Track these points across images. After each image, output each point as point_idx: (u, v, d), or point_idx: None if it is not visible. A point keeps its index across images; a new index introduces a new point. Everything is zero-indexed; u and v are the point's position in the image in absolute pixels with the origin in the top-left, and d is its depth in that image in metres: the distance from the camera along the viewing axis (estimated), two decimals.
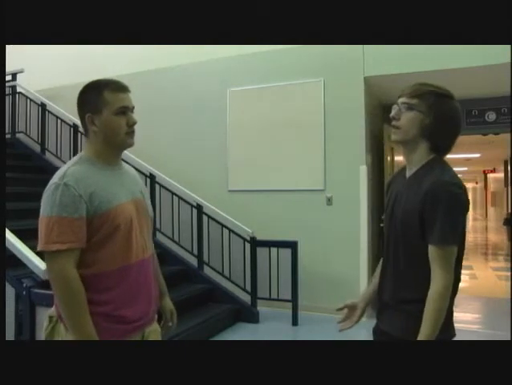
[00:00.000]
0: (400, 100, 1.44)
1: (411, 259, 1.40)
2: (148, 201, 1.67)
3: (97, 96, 1.49)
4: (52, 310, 1.51)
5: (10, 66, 5.20)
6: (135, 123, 1.53)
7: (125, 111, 1.51)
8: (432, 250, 1.33)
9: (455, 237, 1.34)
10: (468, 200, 1.38)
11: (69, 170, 1.44)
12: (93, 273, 1.43)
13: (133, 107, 1.55)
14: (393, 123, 1.45)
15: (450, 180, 1.35)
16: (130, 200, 1.53)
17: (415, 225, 1.37)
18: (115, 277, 1.46)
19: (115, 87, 1.51)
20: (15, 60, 5.22)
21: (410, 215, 1.38)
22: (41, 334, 2.41)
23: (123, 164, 1.65)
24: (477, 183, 24.78)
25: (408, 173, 1.48)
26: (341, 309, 1.63)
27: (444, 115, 1.39)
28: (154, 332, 1.62)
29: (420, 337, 1.32)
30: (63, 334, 1.45)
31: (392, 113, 1.45)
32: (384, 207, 1.59)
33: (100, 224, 1.42)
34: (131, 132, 1.53)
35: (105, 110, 1.48)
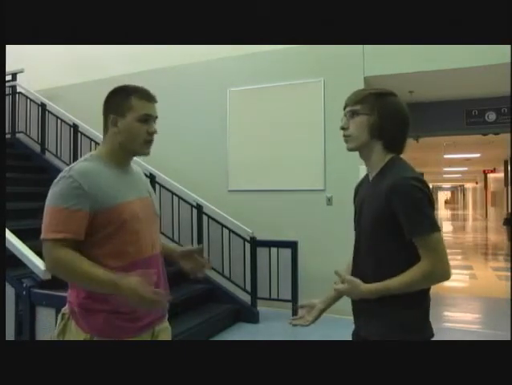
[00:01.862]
0: (345, 110, 1.50)
1: (381, 262, 1.40)
2: (155, 201, 1.70)
3: (124, 100, 1.53)
4: (65, 308, 1.54)
5: (10, 66, 5.20)
6: (155, 132, 1.57)
7: (148, 119, 1.55)
8: (418, 243, 1.34)
9: (433, 223, 1.34)
10: (431, 193, 1.40)
11: (77, 165, 1.49)
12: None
13: (156, 117, 1.59)
14: (344, 133, 1.50)
15: (410, 175, 1.38)
16: (137, 199, 1.56)
17: (383, 225, 1.38)
18: (123, 273, 1.47)
19: (143, 94, 1.55)
20: (15, 60, 5.22)
21: (377, 216, 1.40)
22: (40, 334, 2.42)
23: (132, 165, 1.69)
24: (477, 183, 24.79)
25: (371, 177, 1.51)
26: (301, 307, 1.64)
27: (387, 112, 1.44)
28: (164, 330, 1.64)
29: (373, 286, 1.35)
30: (74, 332, 1.47)
31: (341, 124, 1.50)
32: (354, 214, 1.60)
33: (105, 220, 1.45)
34: (149, 141, 1.57)
35: (129, 114, 1.52)
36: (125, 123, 1.52)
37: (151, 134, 1.56)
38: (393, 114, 1.45)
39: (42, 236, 1.43)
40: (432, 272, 1.32)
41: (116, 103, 1.54)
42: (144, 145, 1.56)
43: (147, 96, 1.56)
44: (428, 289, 1.42)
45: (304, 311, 1.62)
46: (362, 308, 1.47)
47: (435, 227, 1.34)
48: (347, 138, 1.49)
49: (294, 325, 1.59)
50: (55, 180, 1.47)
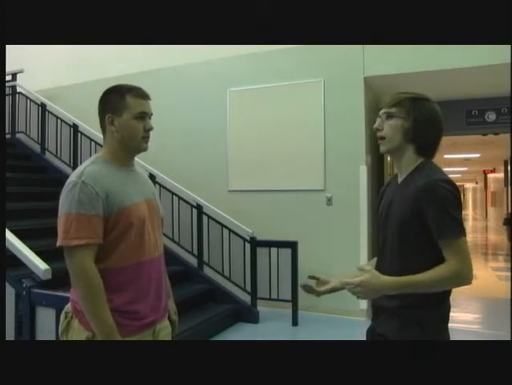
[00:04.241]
0: (381, 112, 1.51)
1: (408, 262, 1.41)
2: (159, 203, 1.73)
3: (120, 99, 1.55)
4: (68, 306, 1.56)
5: (10, 66, 5.20)
6: (151, 128, 1.60)
7: (144, 116, 1.58)
8: (444, 245, 1.34)
9: (462, 226, 1.36)
10: (460, 197, 1.41)
11: (86, 169, 1.50)
12: (107, 270, 1.47)
13: (151, 114, 1.62)
14: (378, 134, 1.51)
15: (441, 177, 1.39)
16: (143, 201, 1.59)
17: (411, 226, 1.39)
18: (127, 274, 1.52)
19: (138, 93, 1.58)
20: (15, 60, 5.22)
21: (405, 216, 1.41)
22: (40, 334, 2.42)
23: (137, 167, 1.71)
24: (477, 183, 24.78)
25: (400, 179, 1.52)
26: (312, 277, 1.63)
27: (422, 117, 1.45)
28: (165, 328, 1.67)
29: (394, 279, 1.33)
30: (77, 329, 1.49)
31: (376, 125, 1.52)
32: (378, 215, 1.61)
33: (115, 223, 1.48)
34: (146, 137, 1.60)
35: (125, 113, 1.55)
36: (122, 122, 1.55)
37: (147, 131, 1.59)
38: (428, 119, 1.46)
39: (63, 243, 1.43)
40: (460, 272, 1.33)
41: (112, 103, 1.56)
42: (141, 141, 1.59)
43: (141, 94, 1.59)
44: (449, 293, 1.42)
45: (313, 282, 1.62)
46: (383, 306, 1.47)
47: (463, 231, 1.35)
48: (381, 140, 1.51)
49: (303, 288, 1.59)
50: (66, 187, 1.47)
